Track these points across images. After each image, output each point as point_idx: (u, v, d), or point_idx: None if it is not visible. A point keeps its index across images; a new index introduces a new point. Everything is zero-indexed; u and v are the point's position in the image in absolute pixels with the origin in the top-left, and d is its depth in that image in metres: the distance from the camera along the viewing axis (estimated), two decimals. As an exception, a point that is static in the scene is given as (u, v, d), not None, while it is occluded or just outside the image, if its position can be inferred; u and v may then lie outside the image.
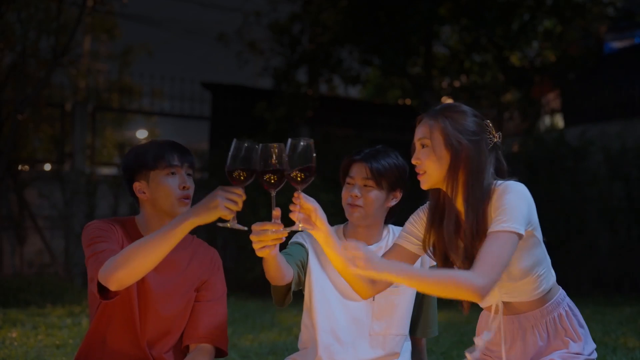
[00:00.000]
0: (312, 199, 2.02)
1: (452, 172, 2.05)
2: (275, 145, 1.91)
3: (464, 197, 2.06)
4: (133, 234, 2.28)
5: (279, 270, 2.19)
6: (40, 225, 8.23)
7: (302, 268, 2.43)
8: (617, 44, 13.01)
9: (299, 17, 10.64)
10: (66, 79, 14.61)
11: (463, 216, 2.09)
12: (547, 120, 13.37)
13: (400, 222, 2.57)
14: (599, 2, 10.52)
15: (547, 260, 2.16)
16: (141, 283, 2.26)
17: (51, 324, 5.15)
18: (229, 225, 1.96)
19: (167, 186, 2.23)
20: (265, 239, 1.97)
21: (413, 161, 2.11)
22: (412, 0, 9.61)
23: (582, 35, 11.18)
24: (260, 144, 1.93)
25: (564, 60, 10.72)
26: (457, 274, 1.93)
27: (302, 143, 1.92)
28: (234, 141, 1.93)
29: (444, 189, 2.12)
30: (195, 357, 2.27)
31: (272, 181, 1.92)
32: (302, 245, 2.47)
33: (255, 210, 8.19)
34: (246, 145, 1.92)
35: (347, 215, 2.44)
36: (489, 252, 1.94)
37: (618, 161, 9.00)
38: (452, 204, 2.11)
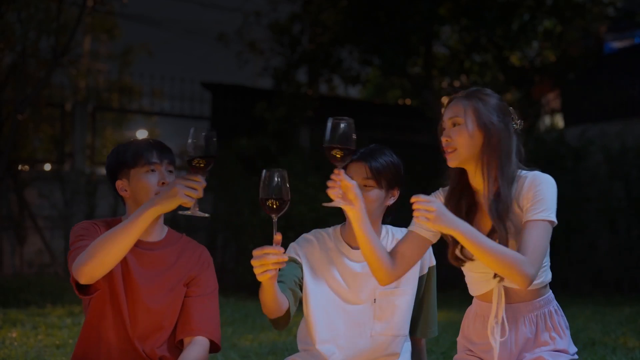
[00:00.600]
0: (348, 177, 2.08)
1: (485, 151, 2.14)
2: (277, 172, 1.99)
3: (497, 176, 2.14)
4: None
5: (275, 301, 2.19)
6: (40, 225, 8.23)
7: (298, 285, 2.41)
8: (617, 44, 13.00)
9: (299, 17, 10.64)
10: (66, 79, 14.61)
11: (483, 195, 2.17)
12: (547, 120, 13.37)
13: (398, 222, 2.56)
14: (599, 2, 10.51)
15: (548, 257, 2.21)
16: (128, 279, 2.29)
17: (51, 324, 5.15)
18: (189, 212, 2.03)
19: (146, 183, 2.28)
20: (266, 263, 2.00)
21: (443, 139, 2.18)
22: (412, 0, 9.60)
23: (582, 35, 11.17)
24: (264, 170, 2.00)
25: (564, 60, 10.71)
26: (515, 256, 2.04)
27: (342, 123, 2.03)
28: (191, 130, 2.00)
29: (470, 168, 2.19)
30: (190, 350, 2.29)
31: (274, 206, 2.00)
32: (295, 261, 2.44)
33: (255, 210, 8.20)
34: (204, 133, 1.99)
35: (347, 216, 2.42)
36: (535, 242, 2.07)
37: (618, 161, 9.01)
38: (471, 183, 2.21)
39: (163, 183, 2.29)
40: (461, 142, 2.15)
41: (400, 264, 2.22)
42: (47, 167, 9.83)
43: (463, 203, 2.22)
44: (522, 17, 10.50)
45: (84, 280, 2.12)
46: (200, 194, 2.02)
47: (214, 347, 2.38)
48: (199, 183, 2.02)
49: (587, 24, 10.77)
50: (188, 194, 2.01)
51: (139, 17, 20.43)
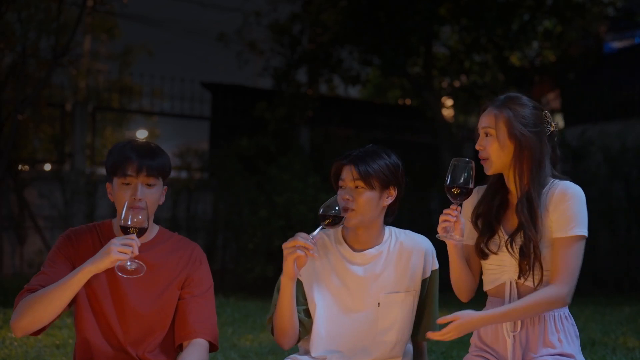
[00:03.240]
0: (460, 215, 2.23)
1: (516, 160, 2.24)
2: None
3: (528, 182, 2.23)
4: (109, 237, 2.31)
5: (294, 333, 2.37)
6: (40, 225, 8.23)
7: (306, 309, 2.44)
8: (617, 44, 12.99)
9: (299, 17, 10.63)
10: (66, 79, 14.57)
11: (514, 196, 2.27)
12: (547, 120, 13.36)
13: (399, 222, 2.56)
14: (599, 2, 10.51)
15: None
16: (114, 285, 2.28)
17: (51, 324, 5.15)
18: (126, 272, 2.13)
19: (120, 195, 2.25)
20: (296, 242, 2.20)
21: (477, 147, 2.28)
22: (412, 0, 9.60)
23: (582, 35, 11.17)
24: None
25: (564, 60, 10.72)
26: (543, 296, 2.16)
27: (463, 165, 2.19)
28: (126, 204, 2.15)
29: (504, 173, 2.29)
30: (188, 351, 2.26)
31: (327, 222, 2.28)
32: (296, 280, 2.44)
33: (255, 210, 8.20)
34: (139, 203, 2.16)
35: (344, 222, 2.39)
36: (567, 260, 2.17)
37: (618, 161, 9.01)
38: (507, 184, 2.29)
39: (134, 199, 2.22)
40: (492, 152, 2.25)
41: (476, 277, 2.35)
42: (47, 167, 9.82)
43: (496, 201, 2.31)
44: (522, 17, 10.50)
45: (19, 334, 2.18)
46: (135, 251, 2.09)
47: (212, 347, 2.35)
48: (134, 241, 2.09)
49: (587, 24, 10.77)
50: (122, 250, 2.07)
51: (139, 17, 20.43)
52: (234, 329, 5.19)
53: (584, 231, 2.21)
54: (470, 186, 2.19)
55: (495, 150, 2.24)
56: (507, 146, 2.23)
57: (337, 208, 2.29)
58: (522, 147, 2.22)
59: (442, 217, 2.19)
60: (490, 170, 2.27)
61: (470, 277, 2.32)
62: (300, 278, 2.44)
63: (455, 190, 2.18)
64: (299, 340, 2.43)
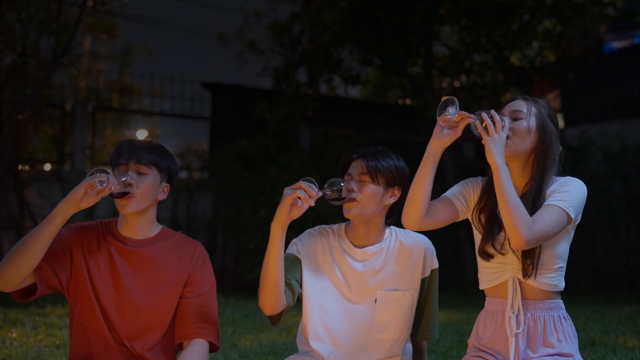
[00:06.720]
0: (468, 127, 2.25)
1: (538, 151, 2.27)
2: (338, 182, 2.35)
3: (542, 176, 2.26)
4: (112, 233, 2.36)
5: (278, 295, 2.26)
6: (40, 226, 8.22)
7: (298, 283, 2.42)
8: (617, 44, 13.00)
9: (299, 17, 10.64)
10: (66, 79, 14.58)
11: (523, 188, 2.29)
12: (547, 120, 13.34)
13: (399, 222, 2.56)
14: (599, 2, 10.51)
15: (565, 263, 2.31)
16: (115, 277, 2.29)
17: (51, 324, 5.15)
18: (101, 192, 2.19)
19: None
20: (299, 186, 2.20)
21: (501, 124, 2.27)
22: (412, 0, 9.60)
23: (581, 35, 11.17)
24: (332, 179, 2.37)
25: (564, 60, 10.71)
26: (526, 216, 2.14)
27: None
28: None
29: (514, 164, 2.29)
30: (188, 351, 2.27)
31: (332, 195, 2.34)
32: (295, 257, 2.45)
33: (255, 210, 8.20)
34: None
35: (344, 212, 2.42)
36: (544, 219, 2.16)
37: (618, 161, 9.01)
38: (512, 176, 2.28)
39: (129, 184, 2.29)
40: (517, 134, 2.26)
41: (430, 217, 2.29)
42: (47, 167, 9.81)
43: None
44: (522, 17, 10.50)
45: (4, 287, 2.17)
46: (105, 190, 2.18)
47: (213, 347, 2.36)
48: (107, 175, 2.20)
49: (587, 24, 10.77)
50: (92, 179, 2.19)
51: (139, 17, 20.44)
52: (234, 329, 5.19)
53: (572, 212, 2.20)
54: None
55: (521, 134, 2.25)
56: (534, 134, 2.26)
57: (342, 184, 2.32)
58: (545, 139, 2.26)
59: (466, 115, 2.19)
60: (507, 151, 2.24)
61: (426, 203, 2.26)
62: (298, 256, 2.45)
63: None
64: (282, 312, 2.35)
